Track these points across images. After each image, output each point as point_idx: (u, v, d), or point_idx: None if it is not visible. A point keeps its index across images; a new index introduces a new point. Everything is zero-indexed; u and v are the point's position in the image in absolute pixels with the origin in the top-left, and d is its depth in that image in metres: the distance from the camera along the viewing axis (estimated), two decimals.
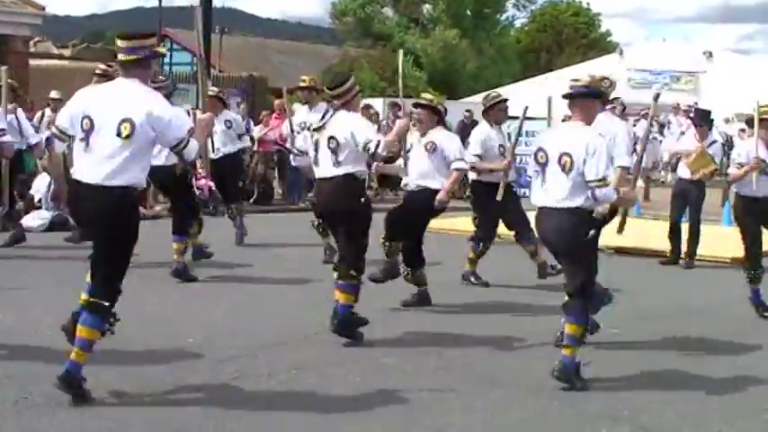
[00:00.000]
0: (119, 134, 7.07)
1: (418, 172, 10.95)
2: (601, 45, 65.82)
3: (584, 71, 43.38)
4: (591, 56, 54.00)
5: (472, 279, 12.59)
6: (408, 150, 10.63)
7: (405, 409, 7.44)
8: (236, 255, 14.26)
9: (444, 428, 7.08)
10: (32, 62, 26.75)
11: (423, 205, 10.96)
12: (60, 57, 35.92)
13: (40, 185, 17.34)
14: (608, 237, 15.11)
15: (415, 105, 11.33)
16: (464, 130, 23.54)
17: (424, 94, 11.78)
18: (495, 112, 12.55)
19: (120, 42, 7.33)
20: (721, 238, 16.62)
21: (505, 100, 12.80)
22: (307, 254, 14.15)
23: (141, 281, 8.73)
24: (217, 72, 34.95)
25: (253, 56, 54.06)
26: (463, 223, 17.58)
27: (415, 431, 7.01)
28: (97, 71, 13.09)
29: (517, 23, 70.15)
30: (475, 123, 22.02)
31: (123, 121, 7.05)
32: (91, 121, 7.18)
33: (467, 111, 28.25)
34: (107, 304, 7.25)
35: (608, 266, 13.36)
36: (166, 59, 50.61)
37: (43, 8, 26.73)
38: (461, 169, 11.20)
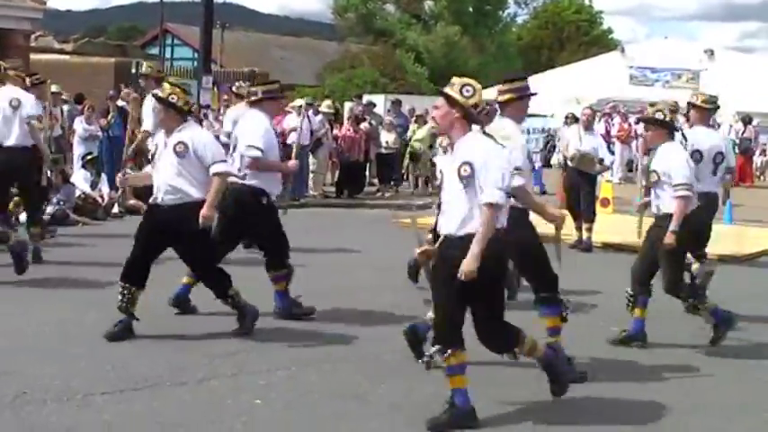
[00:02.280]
0: None
1: (167, 181, 9.01)
2: (602, 42, 65.81)
3: (585, 69, 43.43)
4: (592, 53, 53.92)
5: None
6: (153, 154, 9.30)
7: (407, 407, 7.42)
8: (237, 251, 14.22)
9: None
10: (33, 56, 26.73)
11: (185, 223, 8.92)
12: (61, 51, 35.94)
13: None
14: (609, 234, 15.21)
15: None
16: None
17: (170, 79, 9.34)
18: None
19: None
20: (722, 236, 16.57)
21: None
22: (311, 247, 14.11)
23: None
24: (218, 68, 34.91)
25: (254, 51, 54.06)
26: None
27: (417, 429, 6.99)
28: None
29: (519, 20, 70.21)
30: None
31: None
32: None
33: None
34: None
35: (608, 264, 13.39)
36: (168, 54, 50.76)
37: (44, 2, 26.71)
38: (222, 173, 8.99)
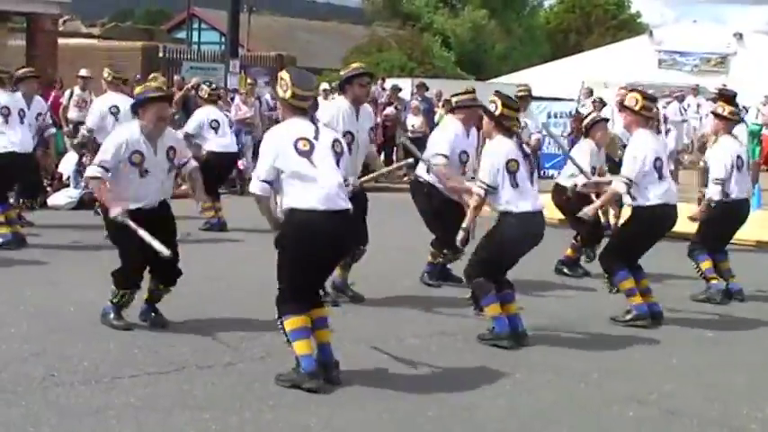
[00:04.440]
0: None
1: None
2: (630, 26, 65.34)
3: (613, 52, 43.22)
4: (620, 37, 53.64)
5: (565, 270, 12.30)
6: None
7: (429, 389, 7.43)
8: (258, 233, 14.23)
9: (470, 408, 7.07)
10: (61, 41, 26.82)
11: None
12: (89, 35, 36.06)
13: (69, 164, 17.36)
14: None
15: None
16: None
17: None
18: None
19: None
20: (749, 221, 16.46)
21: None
22: None
23: None
24: (245, 51, 34.94)
25: (281, 35, 54.03)
26: None
27: (439, 410, 7.00)
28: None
29: (546, 4, 69.77)
30: None
31: None
32: None
33: (495, 92, 28.12)
34: None
35: None
36: (195, 38, 50.85)
37: None
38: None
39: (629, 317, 9.75)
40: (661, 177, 9.77)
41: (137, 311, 8.88)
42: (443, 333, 9.09)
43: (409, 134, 24.63)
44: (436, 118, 25.13)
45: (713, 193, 11.03)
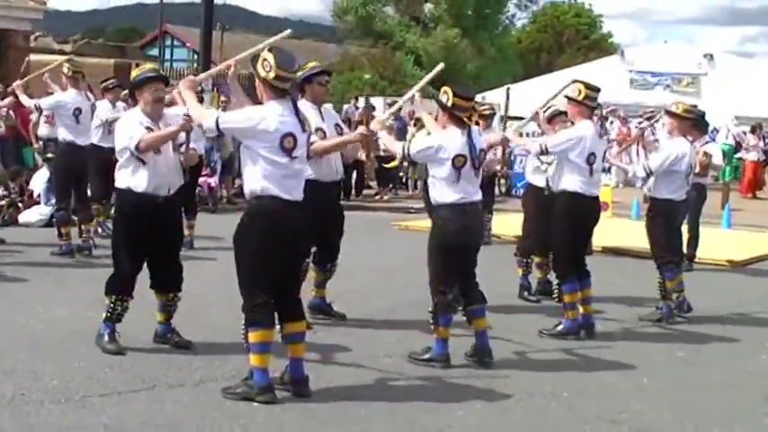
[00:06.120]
0: None
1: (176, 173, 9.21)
2: (602, 46, 65.67)
3: (584, 72, 43.40)
4: (592, 57, 53.83)
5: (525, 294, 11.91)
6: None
7: (404, 409, 7.42)
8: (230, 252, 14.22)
9: (443, 428, 7.07)
10: (33, 57, 26.69)
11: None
12: (60, 52, 35.92)
13: (39, 181, 17.25)
14: (608, 238, 15.20)
15: None
16: None
17: None
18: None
19: None
20: (720, 241, 16.61)
21: None
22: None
23: (142, 277, 8.75)
24: None
25: None
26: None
27: (414, 431, 7.00)
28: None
29: (518, 23, 70.09)
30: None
31: None
32: None
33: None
34: None
35: (608, 268, 13.41)
36: (167, 56, 50.81)
37: (44, 3, 26.70)
38: None
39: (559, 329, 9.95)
40: (591, 173, 9.92)
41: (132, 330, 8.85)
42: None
43: (381, 153, 24.70)
44: (408, 136, 25.14)
45: (637, 170, 11.18)
